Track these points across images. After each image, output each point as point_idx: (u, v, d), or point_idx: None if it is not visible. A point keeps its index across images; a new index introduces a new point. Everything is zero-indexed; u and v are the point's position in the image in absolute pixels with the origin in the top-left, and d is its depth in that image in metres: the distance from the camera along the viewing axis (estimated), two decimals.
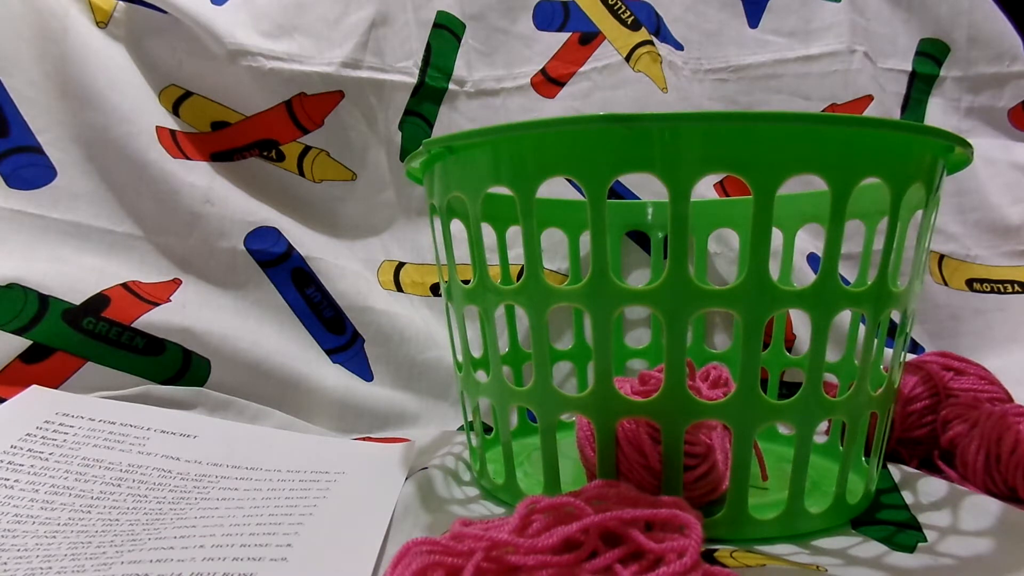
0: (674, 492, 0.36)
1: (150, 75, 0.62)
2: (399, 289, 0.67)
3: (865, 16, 0.75)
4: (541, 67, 0.72)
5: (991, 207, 0.74)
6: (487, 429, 0.48)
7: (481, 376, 0.44)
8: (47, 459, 0.41)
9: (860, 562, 0.33)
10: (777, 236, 0.50)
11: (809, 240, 0.67)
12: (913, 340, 0.71)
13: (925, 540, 0.35)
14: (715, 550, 0.34)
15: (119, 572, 0.30)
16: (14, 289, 0.53)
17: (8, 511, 0.35)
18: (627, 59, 0.70)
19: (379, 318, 0.63)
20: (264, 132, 0.65)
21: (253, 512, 0.37)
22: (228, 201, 0.62)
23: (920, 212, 0.38)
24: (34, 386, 0.49)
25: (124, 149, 0.59)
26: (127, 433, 0.45)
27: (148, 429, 0.46)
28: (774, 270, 0.38)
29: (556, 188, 0.58)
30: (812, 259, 0.67)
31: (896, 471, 0.46)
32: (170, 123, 0.62)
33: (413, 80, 0.68)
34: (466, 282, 0.42)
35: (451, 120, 0.69)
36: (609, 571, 0.27)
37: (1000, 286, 0.73)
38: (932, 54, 0.77)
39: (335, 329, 0.63)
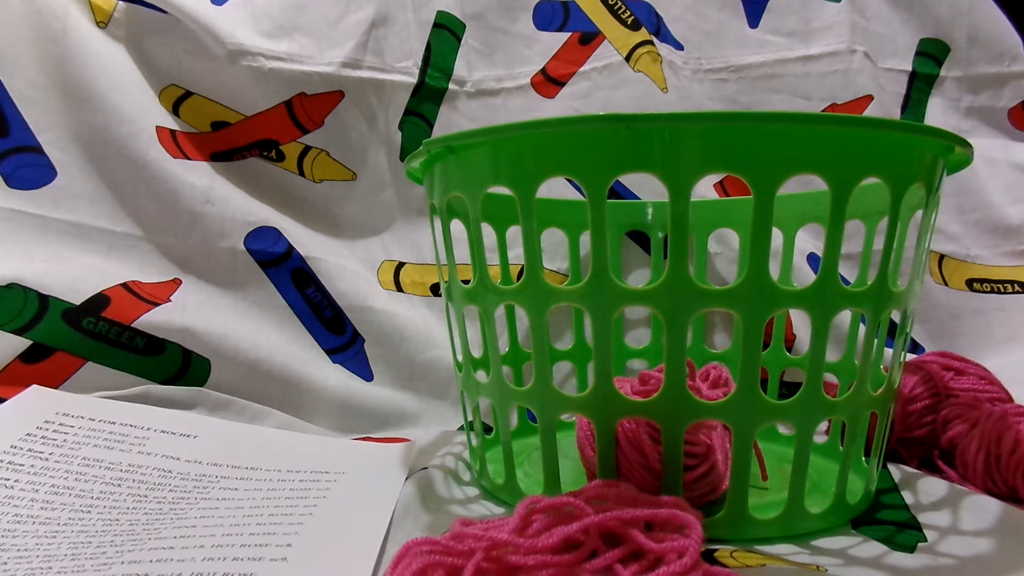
0: (674, 492, 0.36)
1: (150, 75, 0.62)
2: (399, 289, 0.67)
3: (865, 16, 0.76)
4: (541, 67, 0.72)
5: (991, 207, 0.74)
6: (487, 429, 0.48)
7: (481, 376, 0.44)
8: (47, 459, 0.41)
9: (860, 562, 0.33)
10: (777, 236, 0.50)
11: (809, 240, 0.67)
12: (913, 340, 0.71)
13: (925, 540, 0.35)
14: (715, 550, 0.34)
15: (119, 572, 0.30)
16: (14, 289, 0.53)
17: (8, 511, 0.35)
18: (627, 59, 0.70)
19: (379, 318, 0.63)
20: (264, 132, 0.65)
21: (253, 512, 0.37)
22: (228, 201, 0.62)
23: (920, 212, 0.38)
24: (34, 386, 0.49)
25: (124, 149, 0.59)
26: (127, 433, 0.45)
27: (148, 429, 0.46)
28: (774, 270, 0.38)
29: (556, 188, 0.58)
30: (812, 259, 0.67)
31: (896, 471, 0.46)
32: (170, 123, 0.62)
33: (413, 80, 0.68)
34: (466, 282, 0.42)
35: (451, 120, 0.69)
36: (609, 571, 0.27)
37: (1000, 286, 0.73)
38: (932, 54, 0.77)
39: (335, 329, 0.63)
